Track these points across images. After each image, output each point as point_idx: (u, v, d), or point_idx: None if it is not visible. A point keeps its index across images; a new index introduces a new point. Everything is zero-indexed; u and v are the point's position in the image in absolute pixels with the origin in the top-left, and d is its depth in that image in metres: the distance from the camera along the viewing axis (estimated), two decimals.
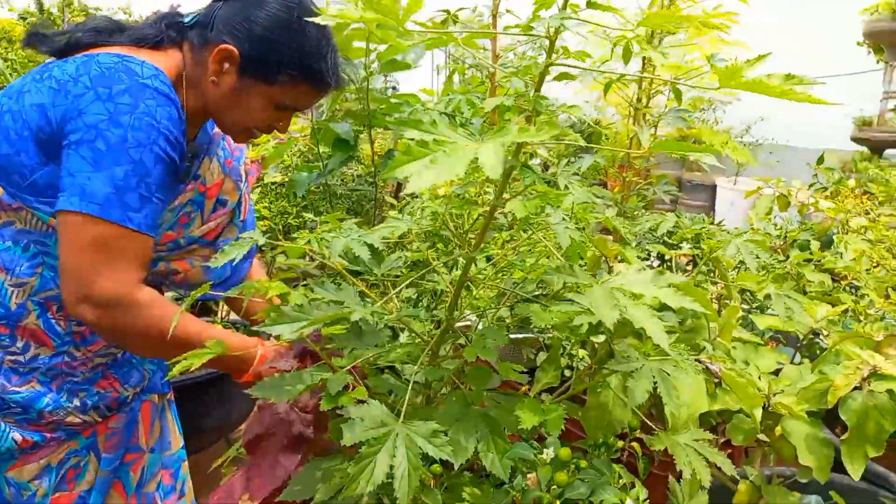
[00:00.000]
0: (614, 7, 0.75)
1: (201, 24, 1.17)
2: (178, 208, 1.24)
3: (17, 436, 1.15)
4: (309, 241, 0.90)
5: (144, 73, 1.07)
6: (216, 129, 1.32)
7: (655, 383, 0.80)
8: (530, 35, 0.81)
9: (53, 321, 1.14)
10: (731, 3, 1.67)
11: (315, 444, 1.06)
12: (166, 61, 1.15)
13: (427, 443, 0.80)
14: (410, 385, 0.89)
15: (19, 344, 1.14)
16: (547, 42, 0.76)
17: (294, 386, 0.90)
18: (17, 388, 1.14)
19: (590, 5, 0.81)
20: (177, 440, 1.45)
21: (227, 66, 1.14)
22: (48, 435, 1.19)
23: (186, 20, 1.19)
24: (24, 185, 1.07)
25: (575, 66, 0.86)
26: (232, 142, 1.36)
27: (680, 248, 1.54)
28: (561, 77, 0.94)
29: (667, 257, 1.53)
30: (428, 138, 0.59)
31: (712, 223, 1.49)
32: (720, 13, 1.60)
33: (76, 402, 1.19)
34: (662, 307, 1.23)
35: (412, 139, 0.60)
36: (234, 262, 1.20)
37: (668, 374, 0.82)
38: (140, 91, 1.05)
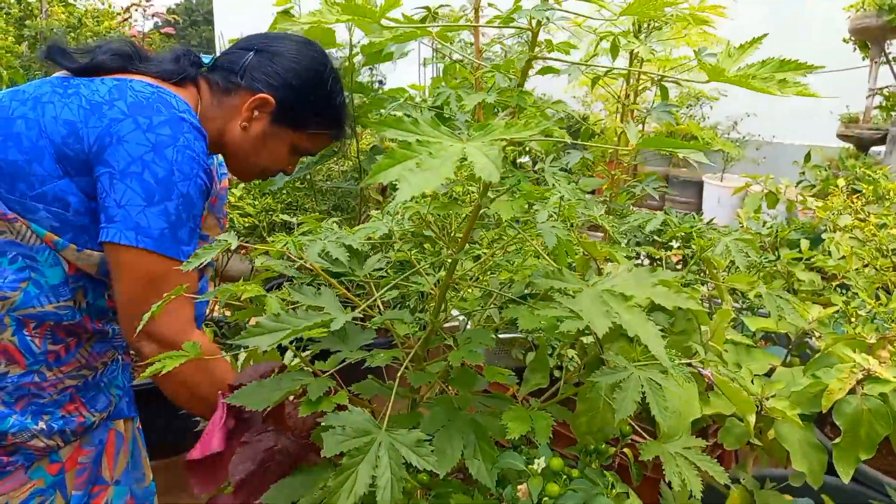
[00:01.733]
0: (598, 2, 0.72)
1: (226, 69, 1.23)
2: None
3: None
4: (286, 244, 0.86)
5: (179, 106, 1.10)
6: (211, 167, 1.35)
7: (644, 392, 0.77)
8: (511, 27, 0.77)
9: (29, 339, 1.10)
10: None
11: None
12: (187, 97, 1.19)
13: (411, 452, 0.77)
14: (394, 390, 0.85)
15: None
16: (530, 35, 0.73)
17: (273, 393, 0.87)
18: None
19: None
20: (149, 471, 1.40)
21: (258, 113, 1.22)
22: (5, 459, 1.13)
23: (206, 60, 1.26)
24: (30, 194, 1.05)
25: (558, 60, 0.83)
26: (217, 180, 1.39)
27: (671, 247, 1.51)
28: (544, 71, 0.91)
29: (656, 257, 1.51)
30: (410, 139, 0.55)
31: (702, 221, 1.47)
32: (708, 6, 1.58)
33: (41, 425, 1.14)
34: (653, 308, 1.21)
35: (393, 140, 0.56)
36: None
37: (658, 384, 0.79)
38: (178, 124, 1.07)
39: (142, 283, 1.05)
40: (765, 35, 0.63)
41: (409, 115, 0.59)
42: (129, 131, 1.04)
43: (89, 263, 1.11)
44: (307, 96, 1.23)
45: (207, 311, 2.22)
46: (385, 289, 0.91)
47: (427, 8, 1.63)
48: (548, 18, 0.70)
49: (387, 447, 0.76)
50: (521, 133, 0.57)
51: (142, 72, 1.17)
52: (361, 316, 0.92)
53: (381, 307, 1.07)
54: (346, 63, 1.79)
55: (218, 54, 1.31)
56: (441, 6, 1.72)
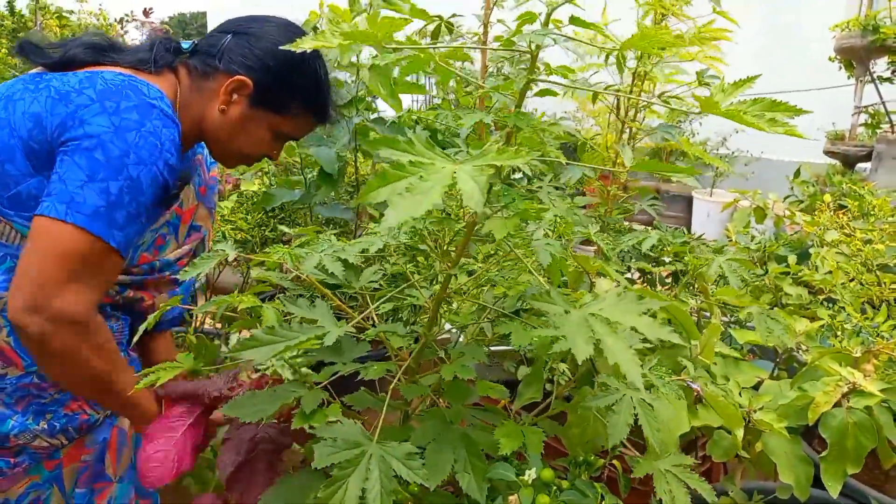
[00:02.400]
0: (597, 25, 0.74)
1: (204, 53, 1.19)
2: (156, 230, 1.23)
3: None
4: (283, 255, 0.87)
5: (151, 93, 1.07)
6: (197, 156, 1.33)
7: (636, 413, 0.79)
8: (512, 50, 0.79)
9: None
10: (720, 20, 1.68)
11: (294, 454, 1.03)
12: (164, 85, 1.15)
13: (402, 465, 0.78)
14: (386, 403, 0.86)
15: None
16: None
17: (267, 405, 0.88)
18: None
19: (573, 21, 0.80)
20: None
21: (236, 96, 1.17)
22: (12, 460, 1.13)
23: (185, 46, 1.21)
24: (5, 196, 1.04)
25: (557, 84, 0.85)
26: (206, 170, 1.37)
27: (663, 264, 1.53)
28: (543, 93, 0.93)
29: (647, 272, 1.53)
30: (404, 159, 0.57)
31: (693, 237, 1.49)
32: (712, 29, 1.61)
33: (43, 425, 1.14)
34: None
35: (387, 159, 0.58)
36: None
37: (650, 405, 0.80)
38: (148, 110, 1.04)
39: (57, 258, 0.98)
40: (758, 75, 0.66)
41: (404, 136, 0.60)
42: (94, 114, 1.01)
43: None
44: (286, 78, 1.19)
45: (197, 323, 2.21)
46: (380, 301, 0.92)
47: (439, 17, 1.62)
48: (553, 40, 0.72)
49: (377, 459, 0.77)
50: (513, 159, 0.58)
51: (116, 63, 1.14)
52: (355, 329, 0.93)
53: (376, 319, 1.08)
54: (352, 83, 1.81)
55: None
56: (453, 15, 1.72)
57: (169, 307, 1.07)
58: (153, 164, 1.03)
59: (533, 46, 0.70)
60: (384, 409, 0.87)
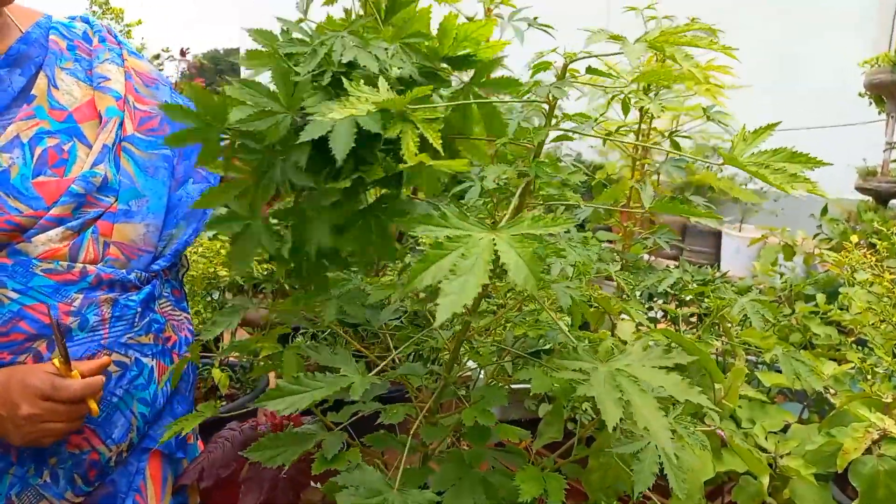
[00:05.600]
0: (612, 73, 0.75)
1: None
2: (19, 145, 0.97)
3: None
4: (303, 303, 0.89)
5: None
6: (52, 38, 1.08)
7: (661, 462, 0.78)
8: (528, 101, 0.81)
9: None
10: (723, 55, 1.68)
11: (315, 492, 1.03)
12: None
13: None
14: (406, 447, 0.86)
15: None
16: (546, 106, 0.76)
17: (289, 448, 0.88)
18: None
19: (589, 71, 0.82)
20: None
21: None
22: None
23: None
24: None
25: (573, 132, 0.86)
26: (88, 45, 1.12)
27: (686, 304, 1.52)
28: (560, 139, 0.94)
29: (671, 314, 1.51)
30: (440, 234, 0.58)
31: (717, 276, 1.48)
32: (714, 66, 1.62)
33: (46, 477, 0.96)
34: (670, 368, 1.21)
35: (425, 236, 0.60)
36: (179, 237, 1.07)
37: (676, 456, 0.80)
38: None
39: None
40: (778, 122, 0.66)
41: (436, 209, 0.62)
42: None
43: None
44: None
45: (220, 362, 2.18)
46: (403, 347, 0.93)
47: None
48: (563, 93, 0.74)
49: None
50: (549, 228, 0.59)
51: None
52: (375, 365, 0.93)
53: (397, 360, 1.08)
54: None
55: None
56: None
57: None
58: None
59: (550, 97, 0.72)
60: (405, 452, 0.87)
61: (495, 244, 0.58)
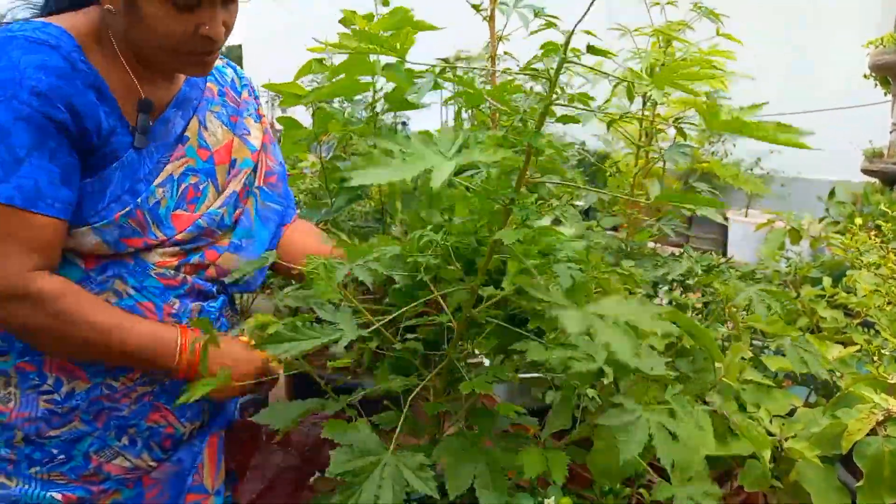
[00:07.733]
0: (611, 52, 0.76)
1: None
2: (171, 181, 1.12)
3: (57, 494, 1.06)
4: (317, 266, 0.91)
5: (17, 27, 0.97)
6: (208, 85, 1.21)
7: (651, 435, 0.79)
8: (531, 73, 0.82)
9: None
10: (727, 40, 1.68)
11: (327, 482, 1.05)
12: (79, 18, 1.04)
13: (414, 475, 0.79)
14: (404, 413, 0.88)
15: (50, 381, 1.05)
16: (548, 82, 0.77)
17: (296, 413, 0.91)
18: (58, 432, 1.06)
19: (590, 50, 0.82)
20: None
21: None
22: (94, 489, 1.08)
23: None
24: None
25: (575, 108, 0.86)
26: (237, 96, 1.25)
27: (692, 291, 1.52)
28: (563, 119, 0.94)
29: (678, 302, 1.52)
30: (396, 149, 0.60)
31: (721, 263, 1.48)
32: (717, 51, 1.61)
33: (125, 441, 1.10)
34: (678, 353, 1.21)
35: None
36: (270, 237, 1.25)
37: (667, 428, 0.80)
38: (5, 44, 0.94)
39: None
40: (765, 103, 0.66)
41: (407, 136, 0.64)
42: None
43: (83, 243, 1.04)
44: None
45: None
46: (404, 309, 0.93)
47: (445, 59, 1.68)
48: (566, 68, 0.74)
49: (392, 469, 0.79)
50: (489, 157, 0.61)
51: (44, 14, 1.06)
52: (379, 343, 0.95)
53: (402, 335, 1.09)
54: (370, 109, 1.86)
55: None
56: (460, 53, 1.77)
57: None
58: (10, 98, 0.93)
59: (552, 67, 0.72)
60: (401, 419, 0.89)
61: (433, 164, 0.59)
